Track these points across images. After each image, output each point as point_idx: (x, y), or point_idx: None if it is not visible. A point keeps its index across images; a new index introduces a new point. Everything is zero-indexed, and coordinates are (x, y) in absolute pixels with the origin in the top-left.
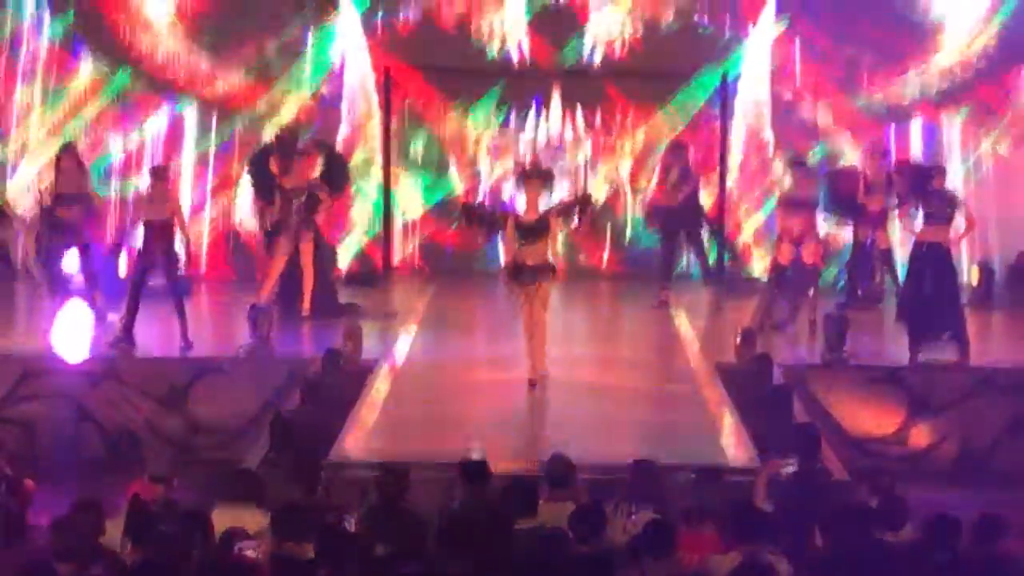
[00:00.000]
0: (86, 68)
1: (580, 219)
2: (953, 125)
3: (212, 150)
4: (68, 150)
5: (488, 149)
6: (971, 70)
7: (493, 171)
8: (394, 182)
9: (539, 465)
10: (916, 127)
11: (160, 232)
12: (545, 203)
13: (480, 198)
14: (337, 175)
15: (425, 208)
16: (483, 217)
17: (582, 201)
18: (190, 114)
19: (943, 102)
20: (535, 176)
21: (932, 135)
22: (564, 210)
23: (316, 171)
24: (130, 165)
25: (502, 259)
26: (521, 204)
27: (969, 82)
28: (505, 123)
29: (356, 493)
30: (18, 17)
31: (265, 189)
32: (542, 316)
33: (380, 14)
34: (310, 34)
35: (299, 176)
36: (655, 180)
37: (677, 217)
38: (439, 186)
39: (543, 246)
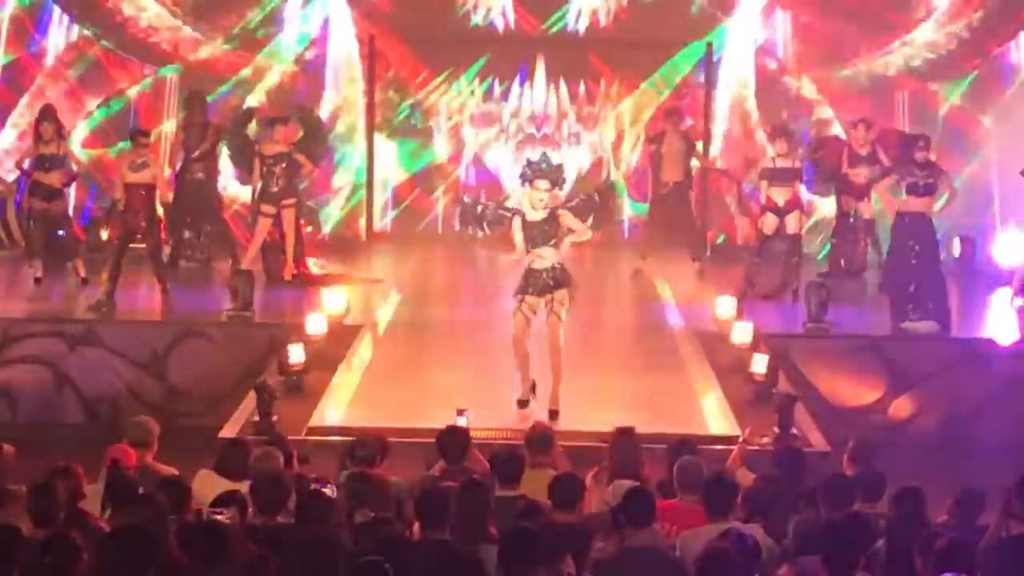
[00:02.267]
0: (68, 32)
1: (602, 216)
2: (938, 98)
3: None
4: (47, 114)
5: (472, 117)
6: (956, 42)
7: (477, 139)
8: (377, 149)
9: (520, 433)
10: (901, 99)
11: (142, 196)
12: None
13: (463, 167)
14: (316, 142)
15: (408, 175)
16: (484, 217)
17: (603, 194)
18: (173, 80)
19: (928, 74)
20: (544, 175)
21: (917, 107)
22: (580, 207)
23: (296, 138)
24: (112, 130)
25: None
26: (527, 202)
27: (954, 55)
28: (489, 92)
29: (335, 460)
30: None
31: (243, 156)
32: (558, 335)
33: None
34: (294, 2)
35: (279, 143)
36: (640, 148)
37: (668, 202)
38: (422, 154)
39: (556, 247)
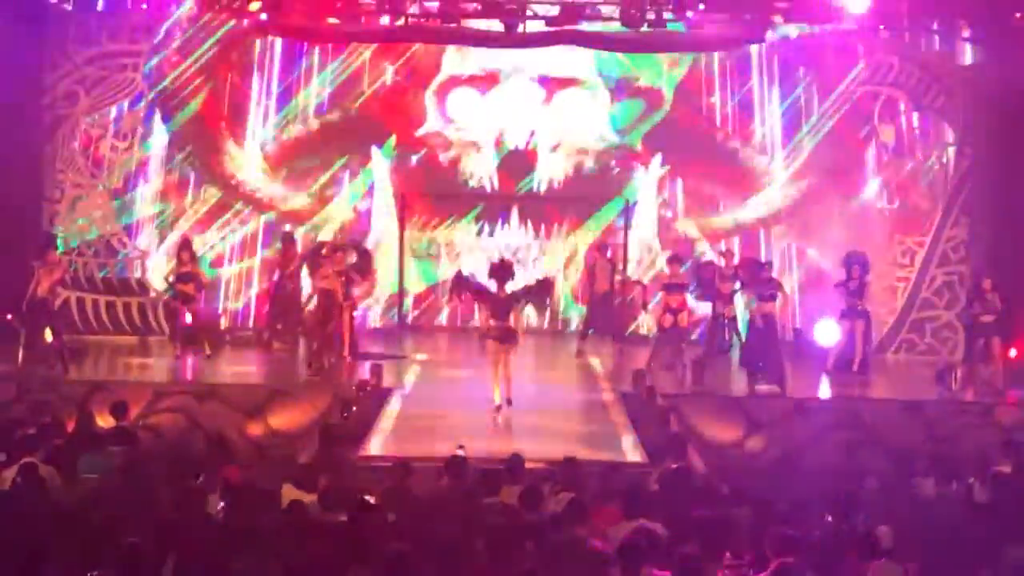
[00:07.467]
0: (199, 190)
1: (541, 300)
2: (779, 235)
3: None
4: (185, 244)
5: (468, 248)
6: (791, 200)
7: (471, 262)
8: (406, 268)
9: (501, 460)
10: (754, 236)
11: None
12: (512, 286)
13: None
14: (366, 264)
15: (427, 286)
16: (469, 288)
17: (543, 286)
18: (269, 222)
19: (771, 219)
20: (501, 271)
21: (765, 241)
22: (526, 292)
23: (352, 261)
24: (231, 255)
25: (479, 322)
26: (493, 288)
27: (789, 207)
28: (480, 230)
29: (375, 478)
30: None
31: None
32: (510, 361)
33: (399, 158)
34: (352, 171)
35: (340, 264)
36: (581, 268)
37: (599, 305)
38: (436, 272)
39: (510, 318)
